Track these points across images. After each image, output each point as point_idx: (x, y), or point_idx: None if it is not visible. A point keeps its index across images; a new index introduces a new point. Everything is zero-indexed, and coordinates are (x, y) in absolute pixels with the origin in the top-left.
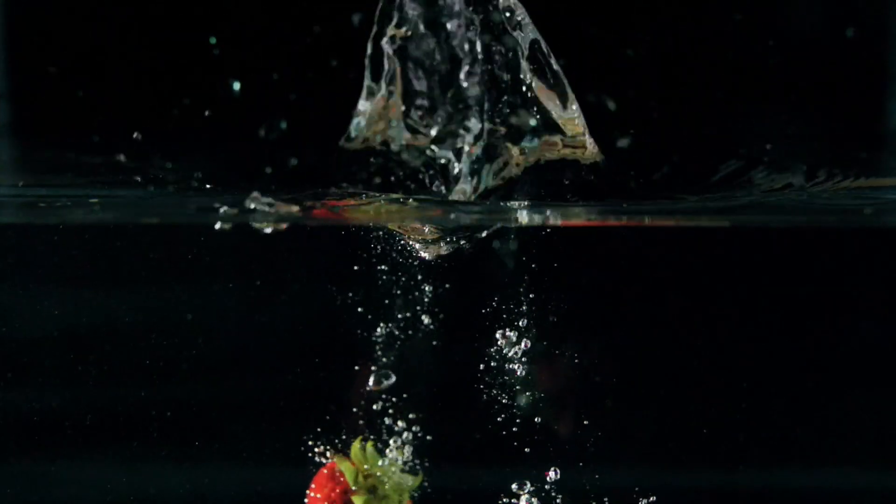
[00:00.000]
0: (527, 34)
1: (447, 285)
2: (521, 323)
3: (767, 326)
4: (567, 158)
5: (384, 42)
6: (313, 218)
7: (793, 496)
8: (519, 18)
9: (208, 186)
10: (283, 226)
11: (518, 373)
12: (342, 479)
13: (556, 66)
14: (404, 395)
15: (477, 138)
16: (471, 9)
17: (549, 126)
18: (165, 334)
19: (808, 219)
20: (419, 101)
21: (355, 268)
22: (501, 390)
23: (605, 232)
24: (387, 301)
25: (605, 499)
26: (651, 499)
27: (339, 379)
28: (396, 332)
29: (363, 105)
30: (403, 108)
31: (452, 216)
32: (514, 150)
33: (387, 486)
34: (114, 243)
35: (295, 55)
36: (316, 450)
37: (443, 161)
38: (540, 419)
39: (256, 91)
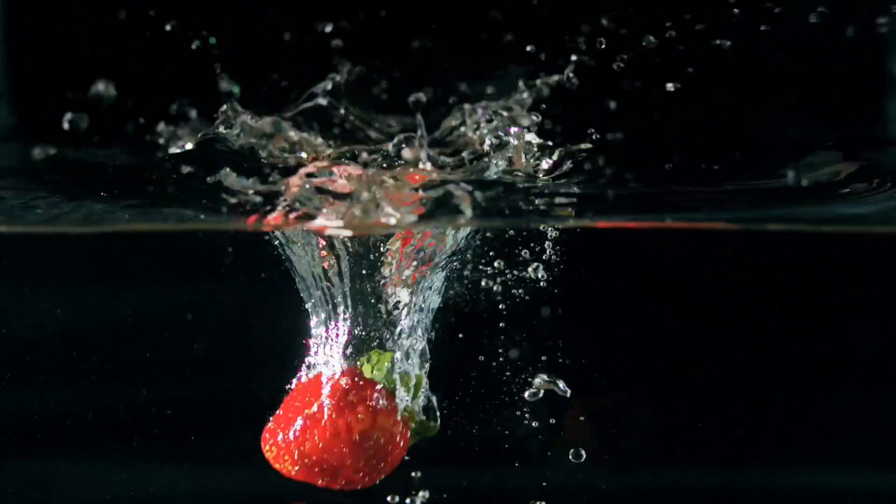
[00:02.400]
0: None
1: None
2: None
3: (768, 328)
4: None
5: None
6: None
7: (793, 496)
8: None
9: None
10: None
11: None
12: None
13: None
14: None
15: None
16: None
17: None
18: (165, 334)
19: (807, 220)
20: None
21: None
22: (509, 390)
23: (604, 234)
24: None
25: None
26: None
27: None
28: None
29: None
30: None
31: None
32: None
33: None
34: (113, 244)
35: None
36: None
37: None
38: (547, 419)
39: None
